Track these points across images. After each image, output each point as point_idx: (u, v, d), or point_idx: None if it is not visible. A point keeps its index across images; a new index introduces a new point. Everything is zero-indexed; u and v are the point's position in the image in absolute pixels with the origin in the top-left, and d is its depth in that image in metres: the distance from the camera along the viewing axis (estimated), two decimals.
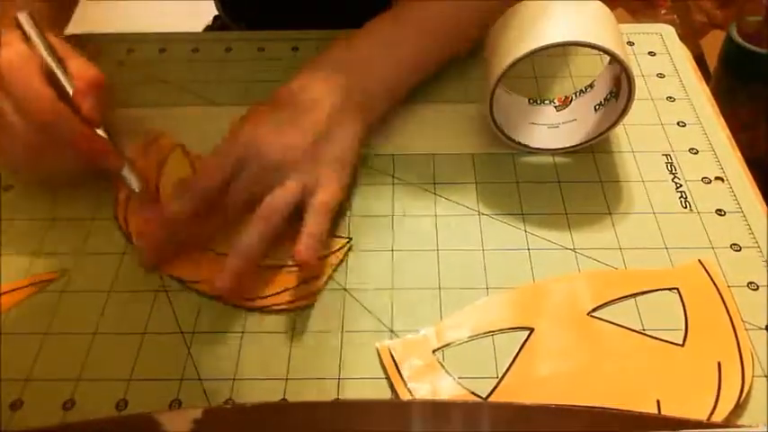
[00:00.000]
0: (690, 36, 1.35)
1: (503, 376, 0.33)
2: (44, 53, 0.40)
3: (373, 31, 0.44)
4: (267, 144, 0.39)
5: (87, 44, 0.46)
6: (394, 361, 0.34)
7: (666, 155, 0.44)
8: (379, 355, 0.34)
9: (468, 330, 0.35)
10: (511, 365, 0.34)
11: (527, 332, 0.35)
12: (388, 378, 0.34)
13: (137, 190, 0.40)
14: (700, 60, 1.31)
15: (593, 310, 0.36)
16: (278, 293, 0.37)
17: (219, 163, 0.39)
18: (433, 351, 0.34)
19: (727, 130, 0.45)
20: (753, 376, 0.33)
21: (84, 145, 0.39)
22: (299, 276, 0.38)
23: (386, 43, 0.44)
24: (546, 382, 0.33)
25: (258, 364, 0.35)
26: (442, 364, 0.34)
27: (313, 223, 0.37)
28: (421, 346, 0.35)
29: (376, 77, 0.43)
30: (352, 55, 0.43)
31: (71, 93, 0.39)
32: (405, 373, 0.33)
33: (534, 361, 0.34)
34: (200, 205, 0.38)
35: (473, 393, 0.33)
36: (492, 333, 0.35)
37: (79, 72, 0.40)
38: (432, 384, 0.33)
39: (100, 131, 0.40)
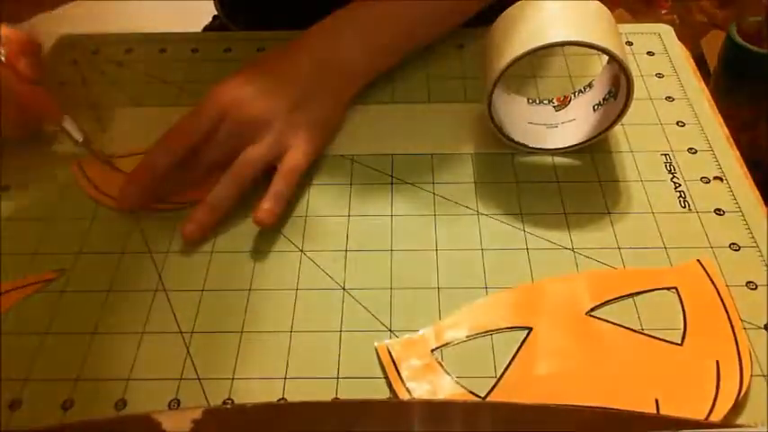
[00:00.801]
0: (690, 36, 1.35)
1: (501, 376, 0.33)
2: None
3: (347, 16, 0.46)
4: (246, 104, 0.41)
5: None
6: (393, 360, 0.34)
7: (665, 154, 0.44)
8: (377, 354, 0.34)
9: (466, 330, 0.35)
10: (509, 365, 0.34)
11: (525, 332, 0.35)
12: (386, 378, 0.34)
13: (79, 140, 0.43)
14: (700, 60, 1.31)
15: (592, 309, 0.36)
16: None
17: (199, 120, 0.41)
18: (432, 350, 0.35)
19: (726, 130, 0.45)
20: (751, 376, 0.33)
21: (24, 100, 0.42)
22: None
23: (358, 27, 0.46)
24: (544, 381, 0.33)
25: (257, 363, 0.35)
26: (440, 364, 0.34)
27: (280, 183, 0.40)
28: (419, 346, 0.35)
29: (351, 57, 0.45)
30: (327, 38, 0.45)
31: (3, 58, 0.42)
32: (403, 373, 0.33)
33: (533, 360, 0.34)
34: (178, 160, 0.40)
35: (472, 393, 0.33)
36: (490, 333, 0.35)
37: (8, 38, 0.43)
38: (430, 384, 0.33)
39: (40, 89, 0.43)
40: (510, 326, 0.35)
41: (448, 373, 0.34)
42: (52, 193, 0.43)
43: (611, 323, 0.35)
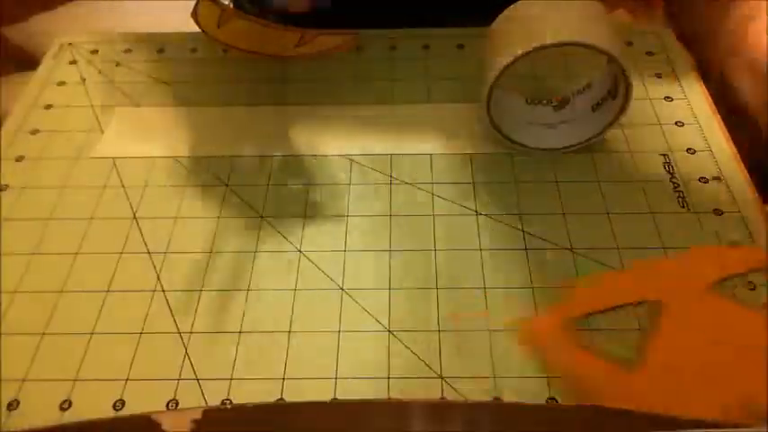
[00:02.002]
0: None
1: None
2: None
3: None
4: None
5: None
6: (536, 338, 0.34)
7: (664, 155, 0.44)
8: (520, 337, 0.35)
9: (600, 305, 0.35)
10: (651, 339, 0.34)
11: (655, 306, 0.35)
12: (387, 378, 0.34)
13: None
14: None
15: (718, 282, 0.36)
16: None
17: None
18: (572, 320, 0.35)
19: (725, 130, 0.45)
20: None
21: None
22: None
23: None
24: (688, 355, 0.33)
25: (255, 364, 0.35)
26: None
27: None
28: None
29: None
30: None
31: None
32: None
33: (672, 334, 0.34)
34: None
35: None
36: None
37: None
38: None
39: None
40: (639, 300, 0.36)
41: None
42: (52, 193, 0.43)
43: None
